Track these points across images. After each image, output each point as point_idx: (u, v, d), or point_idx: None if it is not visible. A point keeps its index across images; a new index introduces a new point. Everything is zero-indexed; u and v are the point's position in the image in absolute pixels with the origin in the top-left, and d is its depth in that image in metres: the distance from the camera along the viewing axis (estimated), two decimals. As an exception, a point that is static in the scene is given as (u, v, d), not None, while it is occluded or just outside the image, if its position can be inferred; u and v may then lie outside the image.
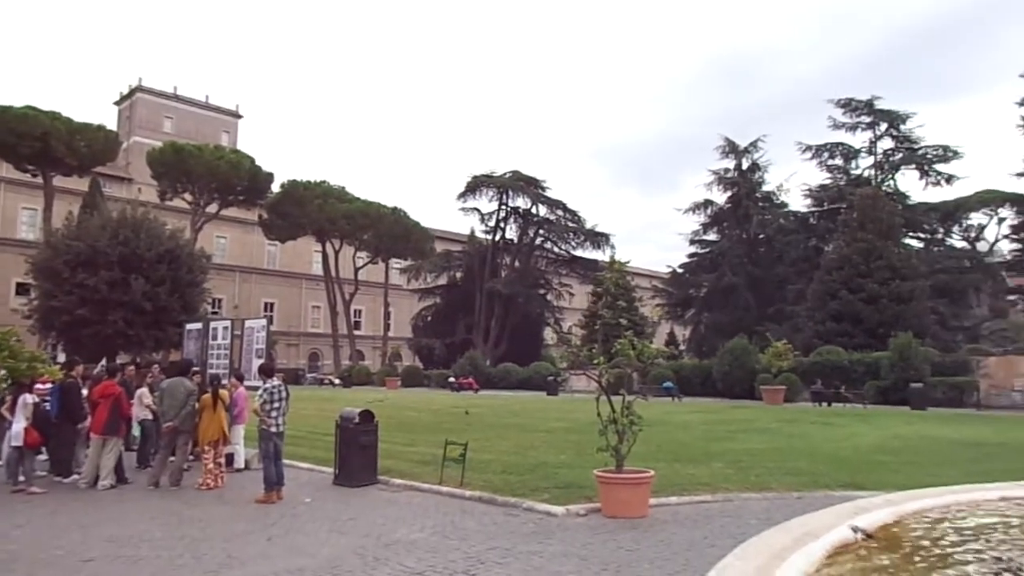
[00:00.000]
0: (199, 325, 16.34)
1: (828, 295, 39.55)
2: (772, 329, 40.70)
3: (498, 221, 64.87)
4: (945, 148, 50.95)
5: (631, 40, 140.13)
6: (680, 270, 59.42)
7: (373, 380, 53.47)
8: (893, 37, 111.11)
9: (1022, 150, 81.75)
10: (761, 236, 54.76)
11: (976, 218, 56.07)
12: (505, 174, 63.92)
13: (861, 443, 15.34)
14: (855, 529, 2.67)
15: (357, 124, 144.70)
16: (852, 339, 36.34)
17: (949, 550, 2.54)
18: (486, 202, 64.57)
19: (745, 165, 55.49)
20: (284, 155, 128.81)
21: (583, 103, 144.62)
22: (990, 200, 53.19)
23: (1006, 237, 53.24)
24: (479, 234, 67.10)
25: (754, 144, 55.07)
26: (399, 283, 70.74)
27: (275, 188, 60.16)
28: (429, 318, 68.57)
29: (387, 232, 61.58)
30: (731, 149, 55.49)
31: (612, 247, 63.41)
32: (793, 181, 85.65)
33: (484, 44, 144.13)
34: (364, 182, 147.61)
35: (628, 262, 58.25)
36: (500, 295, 60.41)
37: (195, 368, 12.59)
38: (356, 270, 63.72)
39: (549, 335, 70.20)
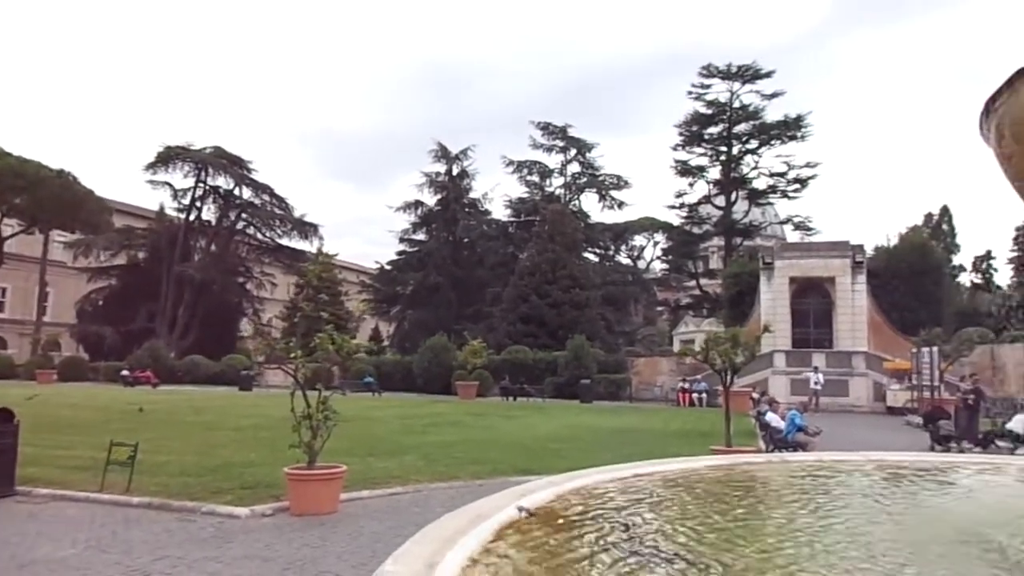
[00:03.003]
0: None
1: (520, 299, 43.43)
2: (470, 328, 43.34)
3: (194, 199, 58.87)
4: (619, 177, 59.52)
5: (340, 30, 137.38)
6: (388, 267, 60.14)
7: (19, 373, 44.75)
8: (584, 74, 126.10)
9: (673, 187, 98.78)
10: (466, 240, 57.97)
11: (638, 240, 66.74)
12: (205, 149, 58.26)
13: (538, 433, 17.12)
14: (520, 509, 2.98)
15: (11, 66, 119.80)
16: (537, 339, 40.39)
17: (589, 518, 2.99)
18: (181, 177, 58.17)
19: (455, 171, 58.19)
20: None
21: (289, 84, 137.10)
22: (649, 226, 63.74)
23: (658, 258, 64.27)
24: (170, 212, 60.20)
25: (464, 152, 58.09)
26: (63, 259, 60.19)
27: None
28: (101, 302, 59.49)
29: (49, 198, 51.77)
30: (443, 154, 57.84)
31: (321, 238, 61.70)
32: (497, 191, 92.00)
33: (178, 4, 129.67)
34: (20, 137, 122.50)
35: (336, 255, 57.61)
36: (192, 280, 54.89)
37: None
38: (1, 240, 52.70)
39: (247, 326, 65.78)
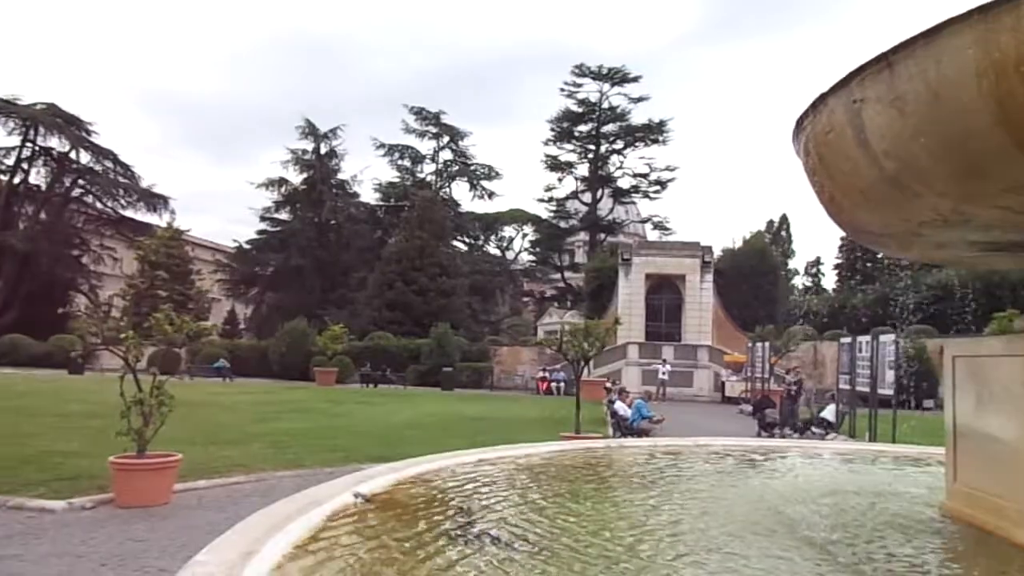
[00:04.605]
0: None
1: (386, 285, 42.77)
2: (334, 313, 42.15)
3: (19, 161, 52.63)
4: (490, 168, 60.11)
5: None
6: (247, 246, 57.10)
7: None
8: (460, 62, 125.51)
9: (542, 181, 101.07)
10: (332, 222, 56.11)
11: (508, 231, 67.72)
12: (36, 105, 52.22)
13: (396, 420, 16.99)
14: (356, 495, 2.94)
15: None
16: (402, 327, 40.00)
17: (427, 504, 3.00)
18: (4, 135, 51.80)
19: (324, 150, 56.15)
20: None
21: (135, 40, 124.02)
22: (519, 218, 64.82)
23: (526, 250, 65.62)
24: (-10, 173, 53.56)
25: (334, 131, 56.11)
26: None
27: None
28: None
29: None
30: (311, 131, 55.59)
31: (172, 212, 57.29)
32: (367, 174, 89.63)
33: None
34: None
35: (188, 230, 53.97)
36: (15, 252, 49.22)
37: None
38: None
39: (83, 305, 59.91)
